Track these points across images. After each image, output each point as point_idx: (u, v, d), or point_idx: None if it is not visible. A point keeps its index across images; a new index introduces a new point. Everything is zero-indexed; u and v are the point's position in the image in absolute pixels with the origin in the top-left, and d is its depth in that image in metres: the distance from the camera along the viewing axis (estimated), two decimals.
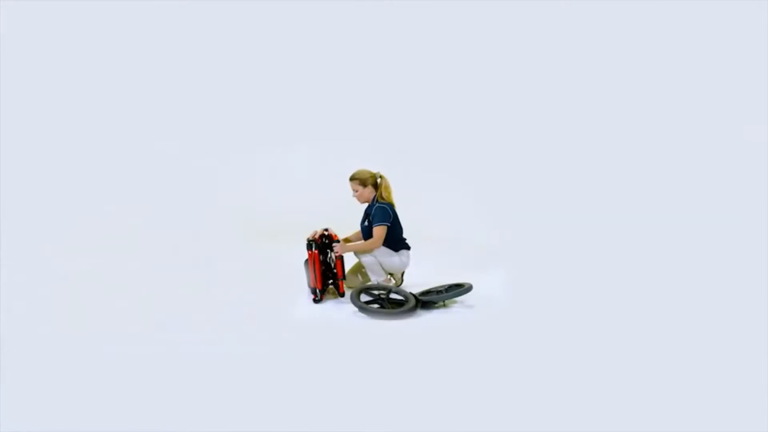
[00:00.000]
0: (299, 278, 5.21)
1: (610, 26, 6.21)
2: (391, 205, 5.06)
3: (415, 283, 5.45)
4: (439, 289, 4.95)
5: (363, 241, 5.06)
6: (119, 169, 7.23)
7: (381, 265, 5.04)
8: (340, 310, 4.80)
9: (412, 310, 4.67)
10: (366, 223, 5.09)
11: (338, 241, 5.13)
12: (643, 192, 5.55)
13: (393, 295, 4.95)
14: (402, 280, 5.24)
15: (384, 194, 5.07)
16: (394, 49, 6.90)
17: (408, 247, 5.13)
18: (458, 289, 4.85)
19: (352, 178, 5.10)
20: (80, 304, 4.88)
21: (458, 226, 5.72)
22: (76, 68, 6.97)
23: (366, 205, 5.16)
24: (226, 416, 3.29)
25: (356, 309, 4.71)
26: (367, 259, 5.04)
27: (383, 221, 4.95)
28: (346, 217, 5.77)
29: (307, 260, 5.00)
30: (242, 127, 7.47)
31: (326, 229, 5.27)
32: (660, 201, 5.30)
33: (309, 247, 4.94)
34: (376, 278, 5.08)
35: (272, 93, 7.38)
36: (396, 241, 5.08)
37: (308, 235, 5.02)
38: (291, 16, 7.00)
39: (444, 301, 4.84)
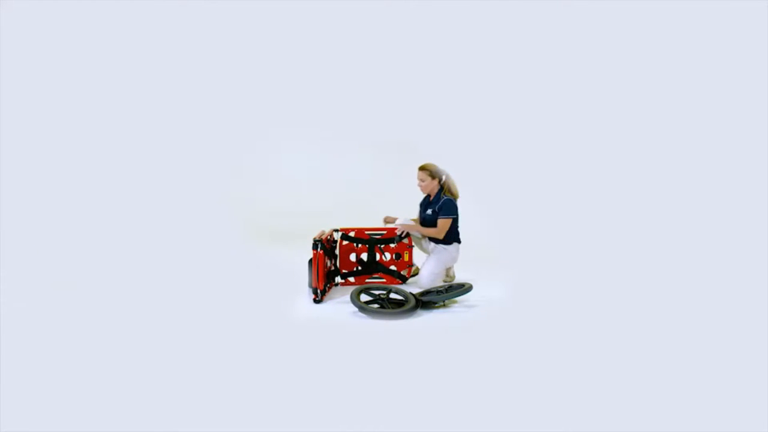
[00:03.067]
0: (299, 278, 5.21)
1: (612, 30, 6.20)
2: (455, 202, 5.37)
3: (416, 283, 5.46)
4: (439, 289, 4.96)
5: (424, 227, 5.37)
6: (119, 169, 7.22)
7: (441, 263, 5.35)
8: (340, 310, 4.80)
9: (412, 310, 4.68)
10: (430, 212, 5.35)
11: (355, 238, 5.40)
12: (645, 196, 5.54)
13: (393, 295, 4.96)
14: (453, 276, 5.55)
15: (453, 190, 5.36)
16: (398, 49, 6.89)
17: (459, 241, 5.40)
18: (458, 289, 4.85)
19: (424, 168, 5.35)
20: (80, 305, 4.87)
21: (459, 226, 5.71)
22: (72, 67, 6.96)
23: (424, 195, 5.47)
24: (226, 416, 3.29)
25: (356, 309, 4.71)
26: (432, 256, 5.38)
27: (450, 214, 5.27)
28: (347, 218, 5.77)
29: (311, 260, 5.02)
30: (243, 126, 7.46)
31: (336, 230, 5.35)
32: (662, 204, 5.28)
33: (315, 246, 4.97)
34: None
35: (273, 93, 7.37)
36: (451, 234, 5.35)
37: (315, 234, 5.07)
38: (292, 13, 7.00)
39: (444, 301, 4.84)
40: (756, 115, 5.83)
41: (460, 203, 5.39)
